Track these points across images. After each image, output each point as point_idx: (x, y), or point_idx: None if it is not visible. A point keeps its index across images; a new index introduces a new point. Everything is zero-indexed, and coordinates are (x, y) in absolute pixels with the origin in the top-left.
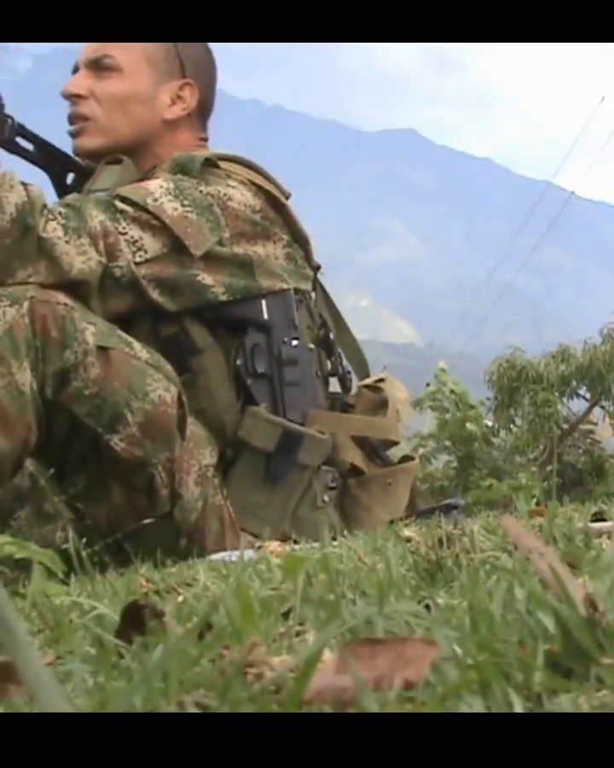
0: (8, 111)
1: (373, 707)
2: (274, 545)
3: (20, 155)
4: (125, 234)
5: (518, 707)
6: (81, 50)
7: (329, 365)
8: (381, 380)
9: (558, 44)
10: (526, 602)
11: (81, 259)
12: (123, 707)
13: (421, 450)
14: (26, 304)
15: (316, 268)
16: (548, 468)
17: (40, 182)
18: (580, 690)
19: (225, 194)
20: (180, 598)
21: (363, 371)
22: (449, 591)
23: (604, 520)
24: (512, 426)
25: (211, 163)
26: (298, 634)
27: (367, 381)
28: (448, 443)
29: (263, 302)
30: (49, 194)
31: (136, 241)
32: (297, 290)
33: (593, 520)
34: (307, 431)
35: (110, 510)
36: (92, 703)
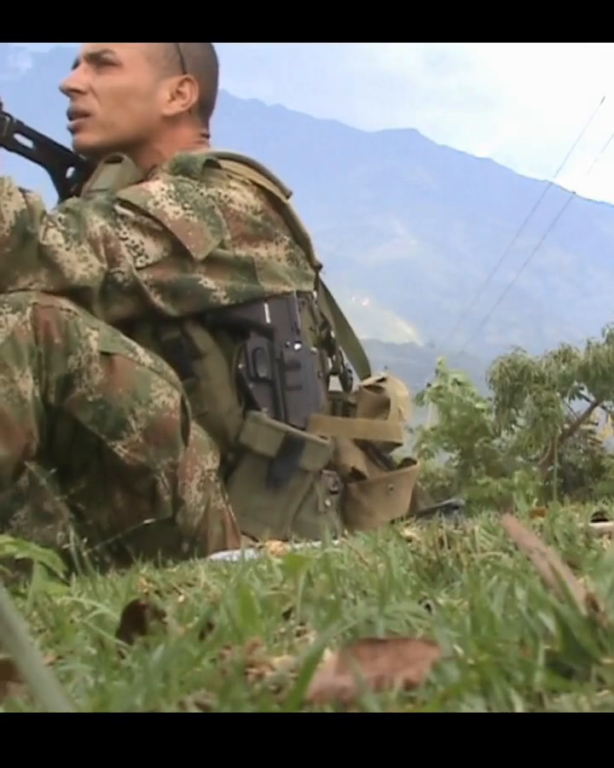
0: (6, 109)
1: (374, 707)
2: (274, 545)
3: (20, 153)
4: (126, 239)
5: (519, 707)
6: (82, 45)
7: (330, 364)
8: (383, 379)
9: (559, 44)
10: (527, 602)
11: (82, 266)
12: (123, 707)
13: (424, 445)
14: (28, 310)
15: (318, 267)
16: (549, 468)
17: (41, 178)
18: (581, 690)
19: (226, 196)
20: (181, 598)
21: (364, 369)
22: (450, 591)
23: (604, 520)
24: (513, 426)
25: (212, 163)
26: (298, 634)
27: (369, 381)
28: (447, 443)
29: (266, 306)
30: (49, 190)
31: (137, 246)
32: (299, 292)
33: (593, 520)
34: (309, 436)
35: (112, 514)
36: (93, 703)
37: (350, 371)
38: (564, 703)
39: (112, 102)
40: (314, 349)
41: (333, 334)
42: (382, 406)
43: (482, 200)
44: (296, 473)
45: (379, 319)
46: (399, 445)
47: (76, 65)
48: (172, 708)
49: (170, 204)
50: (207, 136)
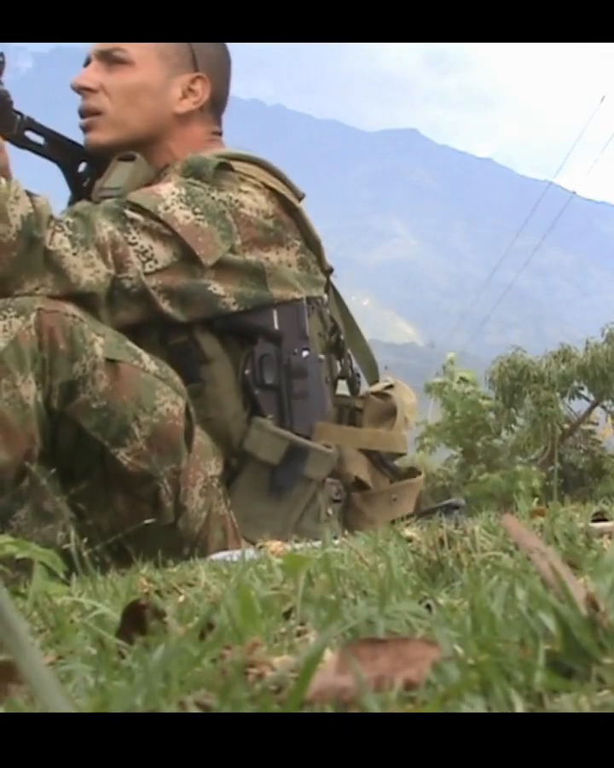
0: (15, 107)
1: (375, 707)
2: (275, 545)
3: (31, 150)
4: (135, 244)
5: (520, 707)
6: (92, 43)
7: (339, 368)
8: (390, 386)
9: (559, 44)
10: (527, 602)
11: (89, 272)
12: (124, 707)
13: (426, 439)
14: (33, 315)
15: (329, 271)
16: (550, 468)
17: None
18: (581, 690)
19: (237, 201)
20: (181, 598)
21: (372, 372)
22: (450, 591)
23: (605, 520)
24: (513, 425)
25: (224, 166)
26: (299, 634)
27: (376, 388)
28: (449, 440)
29: (275, 312)
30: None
31: (146, 250)
32: (309, 298)
33: (594, 521)
34: (313, 445)
35: (113, 518)
36: (93, 703)
37: (358, 375)
38: (565, 703)
39: (123, 100)
40: (322, 356)
41: (342, 338)
42: (389, 413)
43: (482, 200)
44: (299, 481)
45: (380, 319)
46: (404, 454)
47: (87, 62)
48: (172, 708)
49: (181, 208)
50: (219, 133)
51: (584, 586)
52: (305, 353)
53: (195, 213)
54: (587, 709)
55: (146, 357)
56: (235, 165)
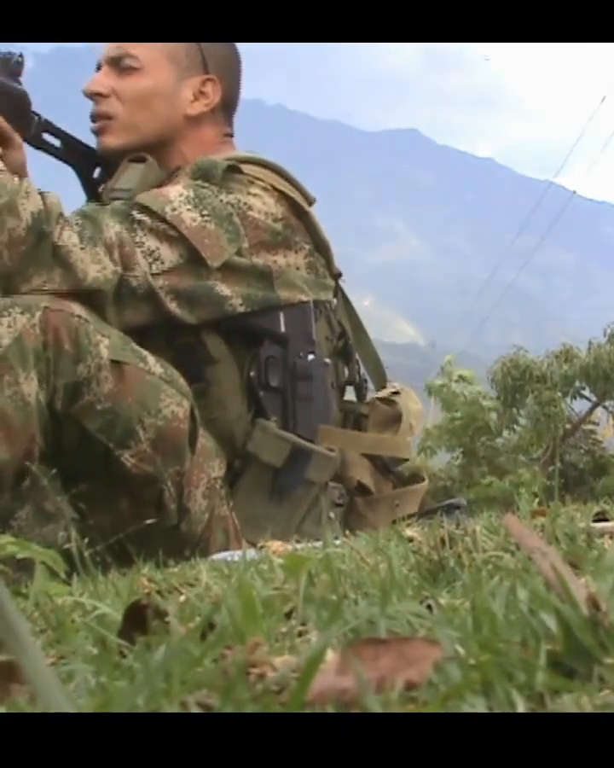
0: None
1: (376, 708)
2: (276, 545)
3: (47, 151)
4: (142, 244)
5: (521, 707)
6: (103, 48)
7: (347, 373)
8: (396, 392)
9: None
10: (529, 602)
11: (96, 268)
12: (125, 707)
13: (427, 443)
14: (38, 313)
15: (337, 275)
16: (551, 468)
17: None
18: (582, 690)
19: (246, 203)
20: (182, 598)
21: (380, 377)
22: (452, 591)
23: (606, 520)
24: (515, 426)
25: (234, 168)
26: (300, 634)
27: (383, 394)
28: (449, 443)
29: (281, 314)
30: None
31: (153, 251)
32: (317, 302)
33: (595, 520)
34: (316, 448)
35: (115, 519)
36: (94, 703)
37: (365, 381)
38: (566, 703)
39: (135, 105)
40: (328, 360)
41: (350, 343)
42: (394, 420)
43: (483, 200)
44: (301, 484)
45: (381, 319)
46: (407, 460)
47: (99, 68)
48: (174, 708)
49: (188, 210)
50: (231, 135)
51: (586, 586)
52: (311, 357)
53: (202, 216)
54: (588, 709)
55: (151, 359)
56: (245, 168)
